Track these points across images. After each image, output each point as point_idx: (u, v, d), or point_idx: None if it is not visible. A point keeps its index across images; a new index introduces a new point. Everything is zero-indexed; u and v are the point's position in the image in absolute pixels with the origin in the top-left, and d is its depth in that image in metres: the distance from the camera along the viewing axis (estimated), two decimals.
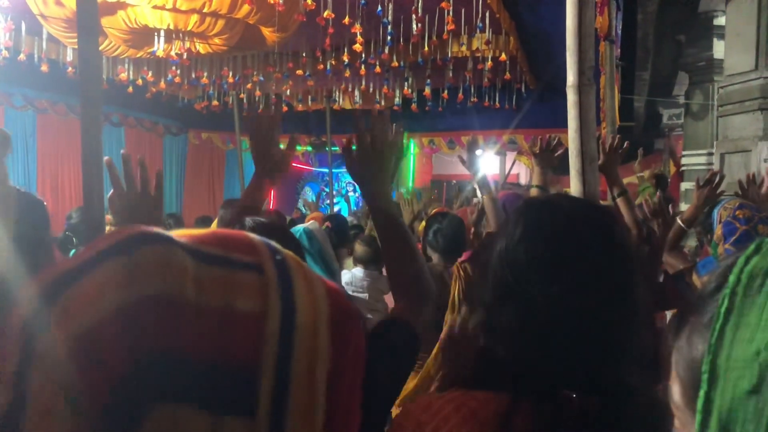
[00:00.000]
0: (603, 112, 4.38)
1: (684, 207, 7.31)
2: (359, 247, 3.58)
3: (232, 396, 0.47)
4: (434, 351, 2.85)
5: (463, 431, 0.90)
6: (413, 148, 11.60)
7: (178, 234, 0.54)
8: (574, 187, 1.66)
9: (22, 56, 6.47)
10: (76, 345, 0.45)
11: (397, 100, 8.92)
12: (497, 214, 2.77)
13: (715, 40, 7.72)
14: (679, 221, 2.94)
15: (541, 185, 2.73)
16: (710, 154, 6.54)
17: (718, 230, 2.58)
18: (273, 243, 0.57)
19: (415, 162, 12.41)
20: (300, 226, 3.06)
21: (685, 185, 8.28)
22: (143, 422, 0.45)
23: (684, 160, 8.69)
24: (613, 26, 4.35)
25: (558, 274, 0.93)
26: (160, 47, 5.89)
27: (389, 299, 3.80)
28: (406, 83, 8.44)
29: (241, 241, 0.55)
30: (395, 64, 7.16)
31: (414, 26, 5.76)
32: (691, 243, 3.46)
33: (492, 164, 12.92)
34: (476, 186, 3.04)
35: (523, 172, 12.52)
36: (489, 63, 6.96)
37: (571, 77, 1.65)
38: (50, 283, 0.48)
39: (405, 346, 1.19)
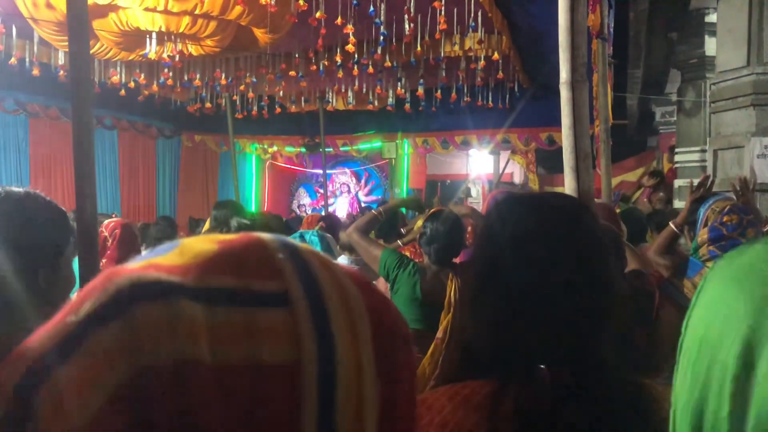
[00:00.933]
0: (596, 110, 4.38)
1: (678, 204, 7.33)
2: (344, 235, 3.56)
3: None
4: (430, 351, 2.85)
5: (457, 416, 0.94)
6: (407, 148, 11.60)
7: (179, 253, 0.44)
8: (568, 184, 1.66)
9: (13, 60, 6.44)
10: None
11: (390, 100, 8.92)
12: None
13: (706, 37, 7.74)
14: (671, 225, 2.96)
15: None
16: (703, 151, 6.56)
17: (704, 234, 2.58)
18: (291, 242, 0.47)
19: (409, 162, 12.43)
20: (313, 231, 3.08)
21: (678, 182, 8.29)
22: None
23: (677, 158, 8.71)
24: (605, 24, 4.35)
25: (530, 261, 0.98)
26: (152, 49, 5.87)
27: (381, 283, 3.77)
28: (399, 83, 8.44)
29: (259, 259, 0.45)
30: (388, 64, 7.15)
31: (406, 26, 5.76)
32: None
33: (486, 163, 12.94)
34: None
35: (517, 170, 12.54)
36: (482, 62, 6.97)
37: (564, 74, 1.65)
38: (26, 371, 0.38)
39: None
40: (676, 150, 8.84)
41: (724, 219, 2.55)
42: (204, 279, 0.42)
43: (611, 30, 5.44)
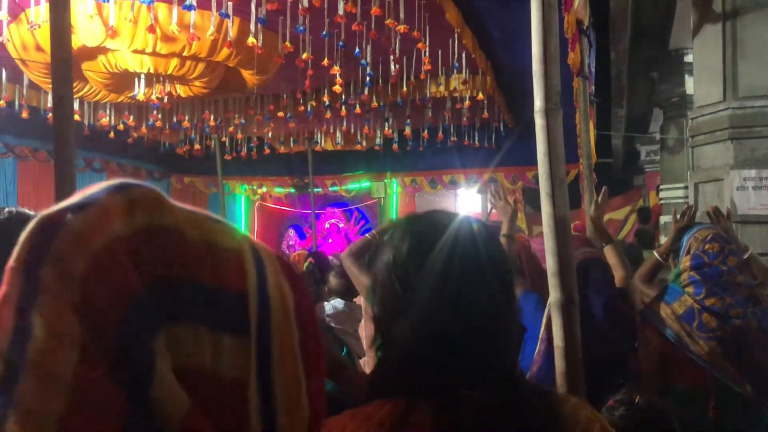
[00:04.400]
0: (579, 148, 4.43)
1: (663, 240, 7.38)
2: (334, 280, 3.59)
3: (228, 316, 0.53)
4: None
5: None
6: (396, 187, 11.67)
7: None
8: (544, 209, 1.69)
9: (2, 103, 6.49)
10: (88, 266, 0.47)
11: (378, 140, 9.01)
12: None
13: (686, 76, 7.92)
14: (656, 254, 3.01)
15: (507, 234, 2.81)
16: (686, 187, 6.65)
17: (686, 261, 2.62)
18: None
19: (398, 202, 12.48)
20: None
21: (663, 218, 8.37)
22: (153, 342, 0.48)
23: (662, 194, 8.81)
24: (585, 63, 4.43)
25: (441, 282, 0.98)
26: (140, 91, 5.94)
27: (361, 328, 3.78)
28: (386, 123, 8.53)
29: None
30: (375, 104, 7.25)
31: (392, 67, 5.85)
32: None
33: (474, 202, 13.02)
34: None
35: None
36: (467, 102, 7.07)
37: (538, 102, 1.69)
38: (54, 212, 0.50)
39: None
40: (661, 187, 8.95)
41: (706, 247, 2.58)
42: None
43: (592, 69, 5.55)
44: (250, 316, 0.54)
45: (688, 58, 7.60)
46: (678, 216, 2.96)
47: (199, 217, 0.56)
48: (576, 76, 4.33)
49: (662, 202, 8.78)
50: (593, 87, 6.22)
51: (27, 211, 1.35)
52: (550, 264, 1.70)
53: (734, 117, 4.25)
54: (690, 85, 7.67)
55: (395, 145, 9.01)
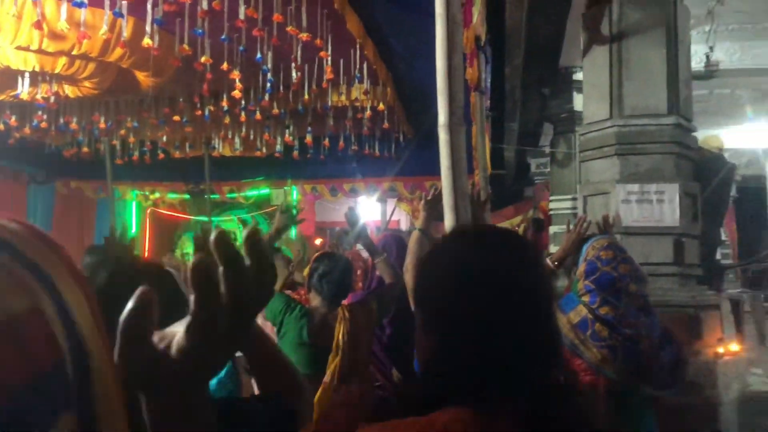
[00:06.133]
0: (475, 160, 4.55)
1: (553, 249, 7.72)
2: None
3: (58, 398, 0.45)
4: (317, 395, 2.80)
5: None
6: (296, 195, 11.58)
7: None
8: (448, 222, 1.72)
9: None
10: None
11: (278, 147, 8.91)
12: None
13: (575, 93, 8.37)
14: (548, 261, 3.13)
15: (423, 229, 2.85)
16: (575, 198, 7.00)
17: (582, 267, 2.74)
18: None
19: (297, 209, 12.38)
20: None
21: (553, 228, 8.76)
22: None
23: (551, 205, 9.23)
24: (482, 78, 4.56)
25: (496, 297, 1.03)
26: (24, 90, 5.59)
27: (268, 327, 3.72)
28: (287, 130, 8.46)
29: None
30: (276, 111, 7.18)
31: (294, 74, 5.81)
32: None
33: (373, 211, 13.12)
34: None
35: (404, 218, 12.79)
36: (368, 112, 7.13)
37: (442, 117, 1.72)
38: None
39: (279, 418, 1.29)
40: (550, 198, 9.36)
41: (601, 254, 2.71)
42: None
43: (488, 84, 5.73)
44: (71, 383, 0.46)
45: (577, 76, 8.03)
46: (570, 226, 3.12)
47: None
48: (473, 91, 4.45)
49: (552, 212, 9.19)
50: (489, 102, 6.43)
51: None
52: None
53: (620, 134, 4.51)
54: (578, 101, 8.09)
55: (296, 153, 8.95)
